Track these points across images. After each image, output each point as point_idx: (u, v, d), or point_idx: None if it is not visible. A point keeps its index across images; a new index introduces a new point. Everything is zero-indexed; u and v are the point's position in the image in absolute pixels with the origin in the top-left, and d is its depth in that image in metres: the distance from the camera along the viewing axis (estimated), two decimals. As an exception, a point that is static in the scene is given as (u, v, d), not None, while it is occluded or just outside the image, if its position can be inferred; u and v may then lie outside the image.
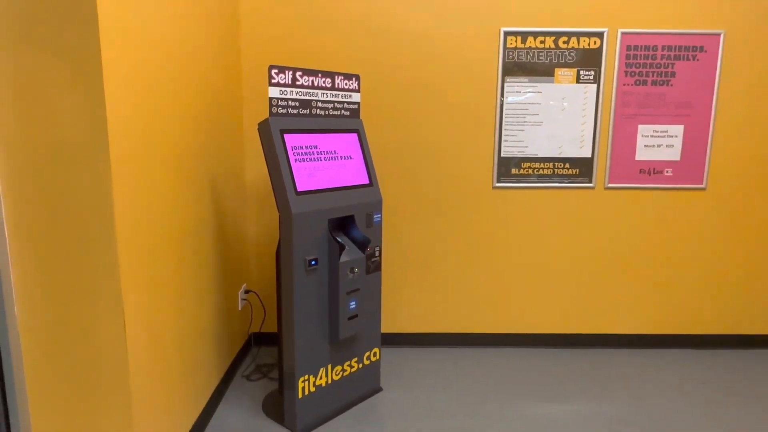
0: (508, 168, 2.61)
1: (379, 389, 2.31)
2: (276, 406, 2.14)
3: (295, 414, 1.96)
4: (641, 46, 2.51)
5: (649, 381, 2.40)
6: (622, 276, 2.73)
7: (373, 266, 2.16)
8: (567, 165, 2.61)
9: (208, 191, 2.04)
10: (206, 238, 2.03)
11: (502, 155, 2.60)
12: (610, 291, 2.75)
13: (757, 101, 2.55)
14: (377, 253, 2.17)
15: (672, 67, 2.53)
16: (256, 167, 2.65)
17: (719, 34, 2.49)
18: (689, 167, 2.61)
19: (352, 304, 2.06)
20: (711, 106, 2.55)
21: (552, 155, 2.60)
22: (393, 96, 2.57)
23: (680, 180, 2.62)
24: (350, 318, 2.05)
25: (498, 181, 2.63)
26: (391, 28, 2.50)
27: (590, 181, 2.62)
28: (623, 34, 2.50)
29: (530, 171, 2.62)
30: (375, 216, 2.15)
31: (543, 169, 2.61)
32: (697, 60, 2.53)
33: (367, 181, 2.14)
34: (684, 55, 2.53)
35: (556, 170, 2.61)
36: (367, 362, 2.23)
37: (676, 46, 2.52)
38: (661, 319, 2.78)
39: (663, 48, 2.52)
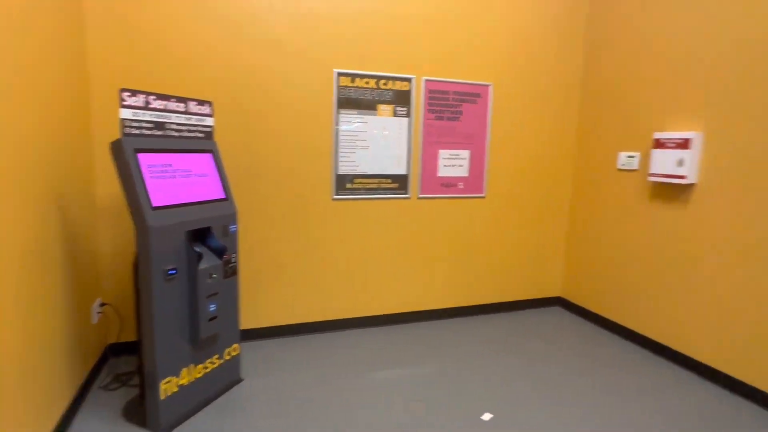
0: (343, 183, 3.16)
1: (240, 380, 2.60)
2: (138, 411, 2.26)
3: (157, 415, 2.12)
4: (439, 91, 3.32)
5: (457, 342, 3.19)
6: (433, 263, 3.51)
7: (230, 271, 2.46)
8: (389, 180, 3.28)
9: (54, 210, 2.09)
10: (53, 256, 2.07)
11: (338, 173, 3.14)
12: (425, 275, 3.51)
13: (515, 133, 3.59)
14: (234, 260, 2.47)
15: (460, 107, 3.40)
16: (107, 185, 2.68)
17: (489, 85, 3.45)
18: (474, 181, 3.52)
19: (212, 307, 2.32)
20: (486, 137, 3.50)
21: (377, 172, 3.23)
22: (247, 123, 2.90)
23: (469, 191, 3.52)
24: (211, 319, 2.31)
25: (336, 194, 3.16)
26: (237, 66, 2.83)
27: (407, 193, 3.34)
28: (426, 80, 3.27)
29: (361, 185, 3.21)
30: (231, 227, 2.45)
31: (371, 183, 3.23)
32: (476, 103, 3.45)
33: (223, 196, 2.43)
34: (468, 99, 3.42)
35: (381, 184, 3.26)
36: (227, 357, 2.50)
37: (462, 92, 3.39)
38: (461, 294, 3.65)
39: (453, 93, 3.37)
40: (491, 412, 2.37)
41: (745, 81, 2.51)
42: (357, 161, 3.18)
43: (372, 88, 3.14)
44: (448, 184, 3.45)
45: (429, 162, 3.37)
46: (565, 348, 3.16)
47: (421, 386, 2.61)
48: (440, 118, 3.36)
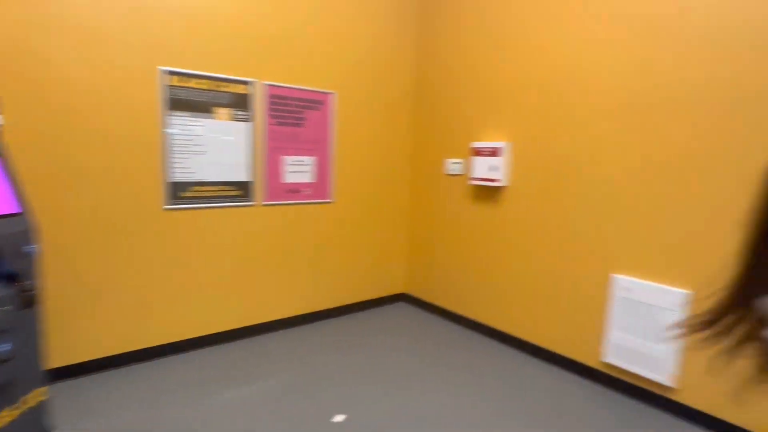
0: (178, 192, 2.89)
1: (49, 430, 2.16)
2: None
3: None
4: (281, 96, 3.28)
5: (305, 350, 3.17)
6: (279, 271, 3.45)
7: (28, 301, 2.03)
8: (232, 187, 3.11)
9: None
10: None
11: (171, 180, 2.86)
12: (272, 284, 3.42)
13: (358, 140, 3.74)
14: (32, 287, 2.05)
15: (303, 114, 3.41)
16: None
17: (332, 93, 3.54)
18: (321, 187, 3.57)
19: (3, 347, 1.88)
20: (330, 144, 3.58)
21: (218, 180, 3.04)
22: (55, 123, 2.42)
23: (316, 197, 3.55)
24: (0, 362, 1.87)
25: (168, 204, 2.87)
26: (41, 58, 2.37)
27: (251, 200, 3.21)
28: (267, 85, 3.20)
29: (199, 193, 2.98)
30: (27, 247, 2.02)
31: (211, 191, 3.02)
32: (319, 110, 3.50)
33: (16, 210, 2.00)
34: (311, 106, 3.45)
35: (222, 192, 3.07)
36: (28, 406, 2.05)
37: (305, 99, 3.41)
38: (310, 300, 3.66)
39: (296, 99, 3.36)
40: (343, 413, 2.42)
41: (542, 100, 3.06)
42: (193, 168, 2.94)
43: (208, 90, 2.94)
44: (294, 190, 3.43)
45: (273, 168, 3.30)
46: (408, 339, 3.40)
47: (268, 401, 2.53)
48: (283, 124, 3.32)
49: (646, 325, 2.57)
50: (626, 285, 2.64)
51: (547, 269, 3.08)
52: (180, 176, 2.89)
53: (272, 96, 3.24)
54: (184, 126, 2.87)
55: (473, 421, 2.40)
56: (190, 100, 2.88)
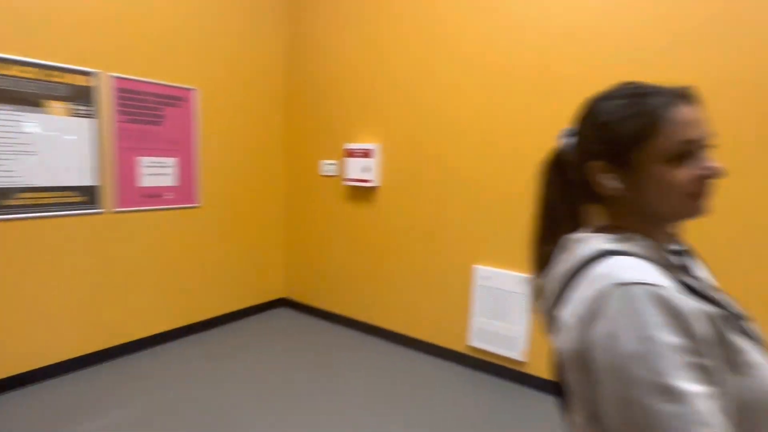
0: (-1, 199, 2.43)
1: None
2: None
3: None
4: (134, 91, 2.95)
5: (175, 368, 2.90)
6: (144, 282, 3.11)
7: None
8: (74, 193, 2.71)
9: None
10: None
11: (-12, 186, 2.39)
12: (136, 298, 3.07)
13: (227, 140, 3.54)
14: None
15: (162, 111, 3.12)
16: None
17: (194, 90, 3.29)
18: (185, 191, 3.30)
19: None
20: (195, 144, 3.33)
21: (55, 184, 2.62)
22: None
23: (180, 201, 3.27)
24: None
25: (-13, 214, 2.39)
26: None
27: (99, 207, 2.84)
28: (115, 78, 2.85)
29: (30, 201, 2.54)
30: None
31: (45, 198, 2.59)
32: (181, 107, 3.23)
33: None
34: (171, 102, 3.17)
35: (61, 198, 2.66)
36: None
37: (164, 95, 3.11)
38: (179, 314, 3.37)
39: (153, 95, 3.06)
40: (216, 429, 2.27)
41: (410, 103, 3.21)
42: (19, 171, 2.49)
43: (36, 80, 2.52)
44: (154, 194, 3.11)
45: (126, 171, 2.96)
46: (285, 344, 3.33)
47: (131, 430, 2.27)
48: (137, 122, 2.99)
49: (503, 308, 2.87)
50: (486, 274, 2.92)
51: (418, 264, 3.26)
52: (1, 181, 2.43)
53: (121, 90, 2.90)
54: (5, 122, 2.42)
55: (349, 412, 2.43)
56: (13, 90, 2.44)
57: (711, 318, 0.55)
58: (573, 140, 0.71)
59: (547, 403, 2.65)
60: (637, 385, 0.50)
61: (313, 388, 2.74)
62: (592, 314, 0.57)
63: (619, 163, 0.64)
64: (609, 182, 0.65)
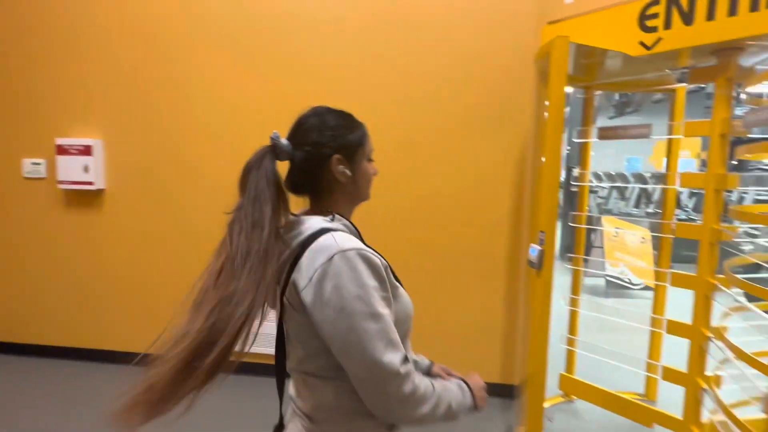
0: None
1: None
2: None
3: None
4: None
5: None
6: None
7: None
8: None
9: None
10: None
11: None
12: None
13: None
14: None
15: None
16: None
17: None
18: None
19: None
20: None
21: None
22: None
23: None
24: None
25: None
26: None
27: None
28: None
29: None
30: None
31: None
32: None
33: None
34: None
35: None
36: None
37: None
38: None
39: None
40: None
41: (138, 93, 2.82)
42: None
43: None
44: None
45: None
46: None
47: None
48: None
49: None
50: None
51: (158, 276, 2.93)
52: None
53: None
54: None
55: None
56: None
57: (385, 267, 0.82)
58: (287, 143, 0.88)
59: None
60: (358, 315, 0.74)
61: None
62: (323, 274, 0.76)
63: (349, 158, 0.88)
64: (344, 171, 0.88)
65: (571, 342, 2.64)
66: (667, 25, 1.78)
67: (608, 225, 4.90)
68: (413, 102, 2.61)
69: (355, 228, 0.90)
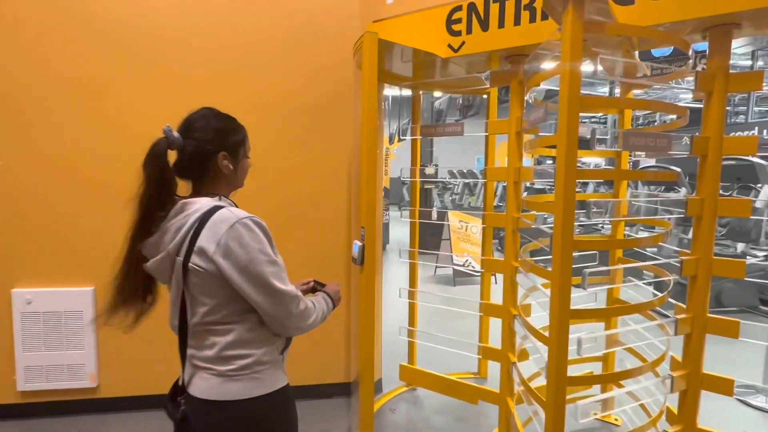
0: None
1: None
2: None
3: None
4: None
5: None
6: None
7: None
8: None
9: None
10: None
11: None
12: None
13: None
14: None
15: None
16: None
17: None
18: None
19: None
20: None
21: None
22: None
23: None
24: None
25: None
26: None
27: None
28: None
29: None
30: None
31: None
32: None
33: None
34: None
35: None
36: None
37: None
38: None
39: None
40: None
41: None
42: None
43: None
44: None
45: None
46: None
47: None
48: None
49: (59, 334, 2.39)
50: (28, 298, 2.35)
51: None
52: None
53: None
54: None
55: None
56: None
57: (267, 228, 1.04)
58: (178, 136, 1.03)
59: (130, 422, 2.40)
60: (261, 263, 0.98)
61: None
62: (228, 238, 0.97)
63: (233, 155, 1.09)
64: (228, 165, 1.08)
65: (411, 333, 2.73)
66: (469, 30, 1.92)
67: (454, 219, 5.29)
68: (241, 102, 2.43)
69: (235, 206, 1.10)
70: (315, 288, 1.27)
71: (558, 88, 1.34)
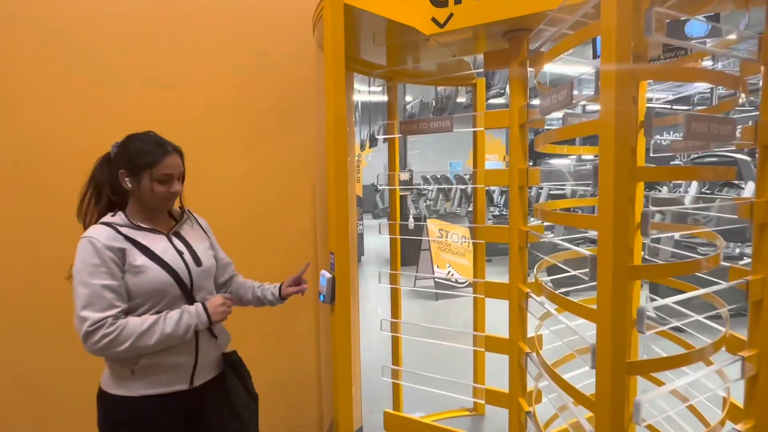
0: None
1: None
2: None
3: None
4: None
5: None
6: None
7: None
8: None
9: None
10: None
11: None
12: None
13: None
14: None
15: None
16: None
17: None
18: None
19: None
20: None
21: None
22: None
23: None
24: None
25: None
26: None
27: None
28: None
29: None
30: None
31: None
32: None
33: None
34: None
35: None
36: None
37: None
38: None
39: None
40: None
41: None
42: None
43: None
44: None
45: None
46: None
47: None
48: None
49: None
50: None
51: None
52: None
53: None
54: None
55: None
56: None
57: (117, 249, 1.15)
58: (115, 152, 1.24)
59: None
60: (76, 282, 1.12)
61: None
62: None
63: (133, 175, 1.20)
64: (126, 183, 1.21)
65: (395, 373, 2.30)
66: (458, -2, 1.53)
67: (433, 227, 4.90)
68: (194, 106, 1.96)
69: (137, 224, 1.22)
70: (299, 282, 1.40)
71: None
